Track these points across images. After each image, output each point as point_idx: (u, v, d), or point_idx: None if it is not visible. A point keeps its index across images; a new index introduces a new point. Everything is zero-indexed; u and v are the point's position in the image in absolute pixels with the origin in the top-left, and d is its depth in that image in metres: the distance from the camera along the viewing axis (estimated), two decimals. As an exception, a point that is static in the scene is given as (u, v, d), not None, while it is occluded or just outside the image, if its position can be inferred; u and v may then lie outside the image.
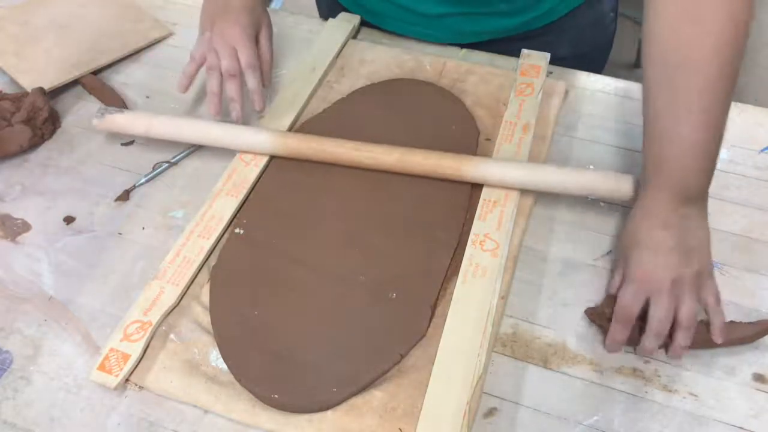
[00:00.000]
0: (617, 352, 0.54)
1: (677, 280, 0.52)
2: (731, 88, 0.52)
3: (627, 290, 0.54)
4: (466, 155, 0.65)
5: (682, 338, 0.52)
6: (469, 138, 0.69)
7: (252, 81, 0.68)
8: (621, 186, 0.61)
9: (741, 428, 0.52)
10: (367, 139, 0.67)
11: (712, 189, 0.66)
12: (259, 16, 0.72)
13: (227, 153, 0.71)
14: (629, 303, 0.53)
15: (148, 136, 0.70)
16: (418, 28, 0.81)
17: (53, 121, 0.75)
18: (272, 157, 0.69)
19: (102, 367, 0.54)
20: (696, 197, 0.55)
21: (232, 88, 0.67)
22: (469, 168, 0.63)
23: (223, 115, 0.70)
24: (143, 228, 0.66)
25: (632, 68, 1.95)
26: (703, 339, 0.53)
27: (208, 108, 0.68)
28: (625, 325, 0.53)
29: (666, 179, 0.54)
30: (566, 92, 0.75)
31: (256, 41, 0.71)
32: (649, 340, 0.52)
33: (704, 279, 0.54)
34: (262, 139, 0.67)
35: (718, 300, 0.54)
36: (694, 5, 0.51)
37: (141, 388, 0.54)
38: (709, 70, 0.51)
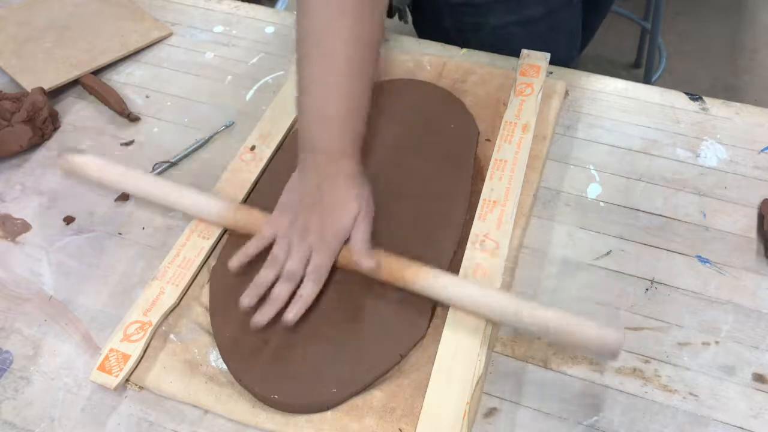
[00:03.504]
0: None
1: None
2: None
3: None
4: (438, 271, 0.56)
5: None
6: (469, 138, 0.69)
7: (308, 290, 0.55)
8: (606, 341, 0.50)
9: (741, 428, 0.52)
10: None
11: (713, 189, 0.66)
12: (355, 210, 0.57)
13: (228, 155, 0.71)
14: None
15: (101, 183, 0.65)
16: None
17: (53, 121, 0.75)
18: (272, 158, 0.69)
19: (102, 368, 0.54)
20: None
21: (282, 291, 0.55)
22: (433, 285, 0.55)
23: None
24: (143, 228, 0.66)
25: (632, 68, 1.95)
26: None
27: (243, 298, 0.55)
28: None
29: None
30: (566, 92, 0.75)
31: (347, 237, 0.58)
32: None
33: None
34: (214, 211, 0.62)
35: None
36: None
37: (141, 388, 0.54)
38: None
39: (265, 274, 0.56)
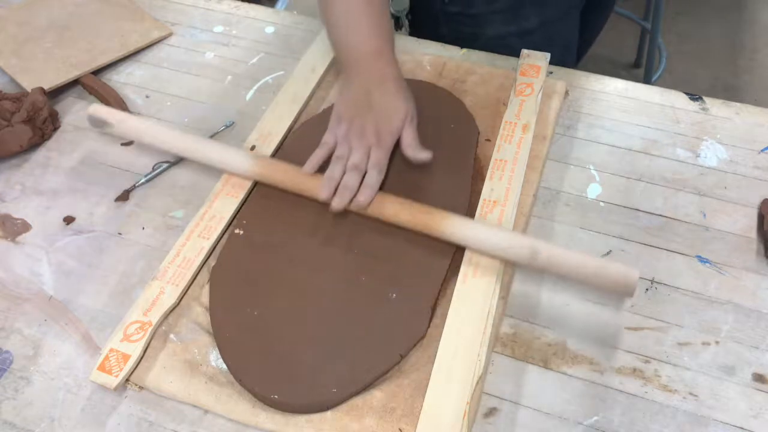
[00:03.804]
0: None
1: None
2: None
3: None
4: (456, 216, 0.60)
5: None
6: (469, 138, 0.69)
7: (372, 179, 0.62)
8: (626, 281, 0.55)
9: (741, 428, 0.52)
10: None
11: (713, 189, 0.66)
12: (404, 112, 0.65)
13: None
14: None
15: (138, 139, 0.70)
16: None
17: (53, 121, 0.75)
18: (273, 156, 0.69)
19: (102, 368, 0.54)
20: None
21: (351, 178, 0.62)
22: (454, 230, 0.59)
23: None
24: (143, 228, 0.66)
25: (632, 68, 1.95)
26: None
27: (320, 191, 0.62)
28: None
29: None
30: (566, 92, 0.75)
31: (400, 134, 0.65)
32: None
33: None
34: (246, 166, 0.65)
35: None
36: None
37: (141, 388, 0.54)
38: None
39: (333, 169, 0.63)
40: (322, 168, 0.64)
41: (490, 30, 0.82)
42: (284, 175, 0.65)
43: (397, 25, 0.92)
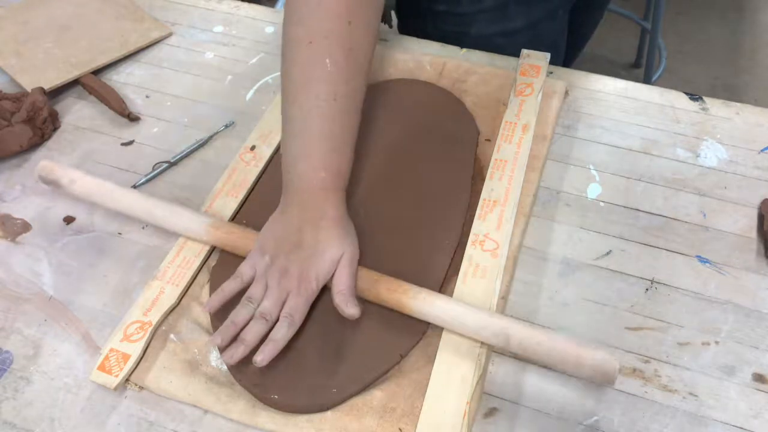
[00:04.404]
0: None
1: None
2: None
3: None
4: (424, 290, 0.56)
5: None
6: (469, 138, 0.69)
7: (280, 333, 0.52)
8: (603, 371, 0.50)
9: (741, 428, 0.52)
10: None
11: (713, 189, 0.66)
12: (336, 256, 0.55)
13: (228, 154, 0.71)
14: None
15: (90, 200, 0.65)
16: None
17: (53, 121, 0.75)
18: (272, 158, 0.69)
19: (102, 368, 0.54)
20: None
21: (253, 331, 0.53)
22: (423, 308, 0.55)
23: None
24: (143, 228, 0.66)
25: (632, 68, 1.95)
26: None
27: (214, 337, 0.53)
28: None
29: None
30: (566, 92, 0.75)
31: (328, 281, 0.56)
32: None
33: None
34: (199, 230, 0.61)
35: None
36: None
37: (141, 388, 0.54)
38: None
39: (238, 313, 0.54)
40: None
41: (475, 29, 0.81)
42: (241, 242, 0.60)
43: (385, 20, 0.92)
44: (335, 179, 0.58)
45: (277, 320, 0.54)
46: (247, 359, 0.52)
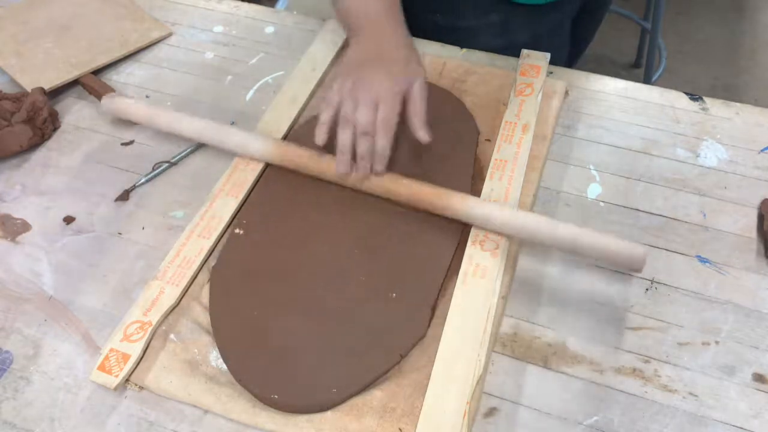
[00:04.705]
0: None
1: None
2: None
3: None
4: (461, 194, 0.61)
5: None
6: (469, 138, 0.69)
7: (382, 141, 0.59)
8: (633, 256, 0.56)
9: (741, 428, 0.52)
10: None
11: (713, 189, 0.66)
12: (414, 70, 0.62)
13: (227, 153, 0.71)
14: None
15: (149, 124, 0.72)
16: None
17: (53, 121, 0.75)
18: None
19: (102, 368, 0.54)
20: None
21: (363, 147, 0.59)
22: (465, 207, 0.60)
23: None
24: (143, 228, 0.66)
25: (632, 68, 1.95)
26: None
27: (338, 167, 0.61)
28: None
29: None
30: (566, 92, 0.75)
31: (407, 96, 0.61)
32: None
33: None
34: (259, 146, 0.67)
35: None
36: None
37: (141, 388, 0.54)
38: None
39: (342, 138, 0.60)
40: (330, 133, 0.62)
41: (479, 43, 0.81)
42: (299, 158, 0.65)
43: None
44: (395, 9, 0.66)
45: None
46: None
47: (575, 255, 0.59)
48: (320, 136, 0.62)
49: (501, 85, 0.75)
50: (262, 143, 0.67)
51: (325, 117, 0.62)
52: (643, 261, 0.55)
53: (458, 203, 0.60)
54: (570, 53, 0.95)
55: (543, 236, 0.57)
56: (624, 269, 0.59)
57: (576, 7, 0.89)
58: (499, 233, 0.60)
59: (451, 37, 0.82)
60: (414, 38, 0.83)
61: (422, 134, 0.60)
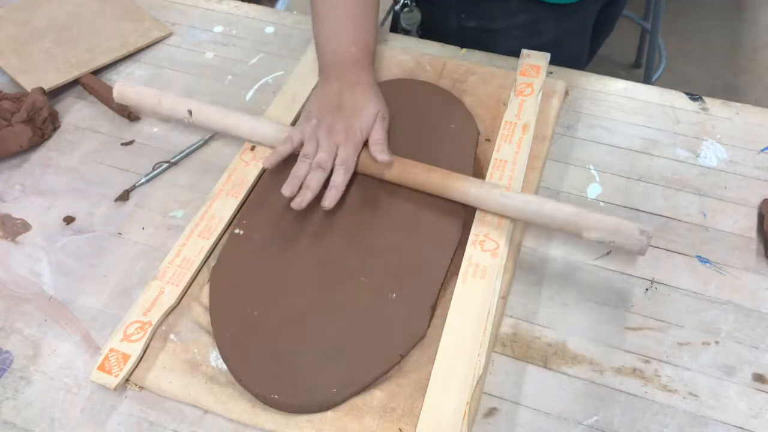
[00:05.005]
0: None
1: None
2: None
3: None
4: (464, 176, 0.63)
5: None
6: (469, 138, 0.69)
7: (338, 178, 0.62)
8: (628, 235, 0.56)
9: (741, 428, 0.52)
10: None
11: (713, 189, 0.66)
12: (373, 112, 0.66)
13: (228, 154, 0.71)
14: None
15: (157, 110, 0.73)
16: None
17: (53, 121, 0.75)
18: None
19: (102, 368, 0.54)
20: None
21: (314, 179, 0.62)
22: (468, 190, 0.61)
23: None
24: (143, 228, 0.66)
25: (632, 68, 1.95)
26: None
27: (284, 188, 0.62)
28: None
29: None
30: (566, 92, 0.75)
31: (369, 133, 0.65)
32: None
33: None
34: (270, 131, 0.68)
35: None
36: None
37: (141, 388, 0.54)
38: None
39: (299, 167, 0.63)
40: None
41: (503, 45, 0.81)
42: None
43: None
44: (364, 53, 0.69)
45: (332, 171, 0.63)
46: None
47: (579, 237, 0.58)
48: (270, 161, 0.65)
49: (501, 85, 0.75)
50: (274, 128, 0.68)
51: (282, 150, 0.65)
52: (641, 232, 0.55)
53: (459, 182, 0.62)
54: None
55: (547, 216, 0.58)
56: (626, 247, 0.56)
57: (597, 8, 0.89)
58: (501, 215, 0.61)
59: (480, 40, 0.83)
60: (414, 38, 0.84)
61: (383, 158, 0.62)
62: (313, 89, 0.74)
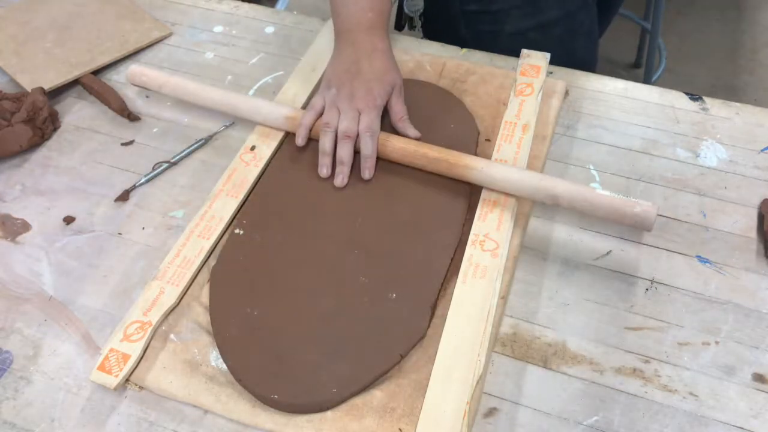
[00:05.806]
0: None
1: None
2: None
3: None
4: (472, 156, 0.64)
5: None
6: (469, 138, 0.69)
7: (367, 146, 0.64)
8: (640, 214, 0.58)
9: (741, 428, 0.52)
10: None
11: (713, 189, 0.66)
12: (391, 80, 0.68)
13: (228, 153, 0.71)
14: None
15: (173, 93, 0.74)
16: None
17: (53, 121, 0.75)
18: (273, 156, 0.69)
19: (102, 368, 0.54)
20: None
21: (345, 151, 0.64)
22: (476, 167, 0.62)
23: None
24: (143, 228, 0.66)
25: (632, 68, 1.95)
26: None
27: (320, 170, 0.65)
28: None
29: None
30: (566, 92, 0.75)
31: (387, 105, 0.68)
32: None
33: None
34: (280, 115, 0.69)
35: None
36: None
37: (141, 388, 0.54)
38: None
39: (324, 141, 0.65)
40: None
41: (510, 26, 0.82)
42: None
43: (411, 25, 0.92)
44: (380, 19, 0.70)
45: (357, 136, 0.64)
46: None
47: (585, 215, 0.60)
48: (301, 137, 0.66)
49: (501, 85, 0.75)
50: (284, 112, 0.69)
51: (308, 120, 0.67)
52: (652, 218, 0.56)
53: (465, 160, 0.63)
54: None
55: (558, 192, 0.59)
56: (633, 219, 0.58)
57: None
58: (506, 194, 0.62)
59: (481, 23, 0.83)
60: (414, 38, 0.84)
61: (414, 133, 0.66)
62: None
